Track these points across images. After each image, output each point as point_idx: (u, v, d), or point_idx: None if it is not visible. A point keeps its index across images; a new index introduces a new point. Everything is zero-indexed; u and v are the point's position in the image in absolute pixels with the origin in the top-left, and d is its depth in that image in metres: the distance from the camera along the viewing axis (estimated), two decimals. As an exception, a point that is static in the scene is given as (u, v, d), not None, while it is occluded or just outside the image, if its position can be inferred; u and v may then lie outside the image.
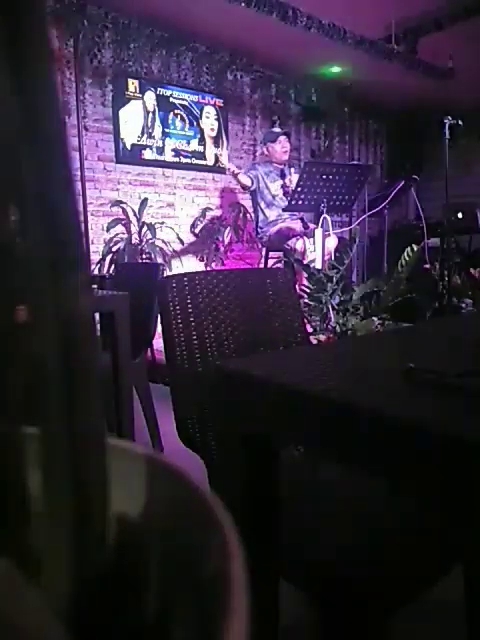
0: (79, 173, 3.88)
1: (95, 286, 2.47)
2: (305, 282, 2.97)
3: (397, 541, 0.77)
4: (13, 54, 0.16)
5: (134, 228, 4.27)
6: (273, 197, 3.97)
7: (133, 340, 1.74)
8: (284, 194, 3.92)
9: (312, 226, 3.72)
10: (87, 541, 0.20)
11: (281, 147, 3.99)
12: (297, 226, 3.88)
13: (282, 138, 4.00)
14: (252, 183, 3.95)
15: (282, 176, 4.02)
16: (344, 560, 0.73)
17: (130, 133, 4.23)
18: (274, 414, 0.63)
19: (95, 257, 4.02)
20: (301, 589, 0.77)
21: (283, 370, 0.66)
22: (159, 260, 4.10)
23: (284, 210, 3.67)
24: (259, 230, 4.06)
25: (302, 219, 3.97)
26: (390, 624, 0.71)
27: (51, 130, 0.18)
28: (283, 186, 3.97)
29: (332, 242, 3.42)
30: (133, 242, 4.20)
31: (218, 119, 4.83)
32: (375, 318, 2.84)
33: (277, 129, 4.38)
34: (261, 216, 4.02)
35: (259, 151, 5.16)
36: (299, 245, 3.71)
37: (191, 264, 4.69)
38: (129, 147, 4.24)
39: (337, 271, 2.85)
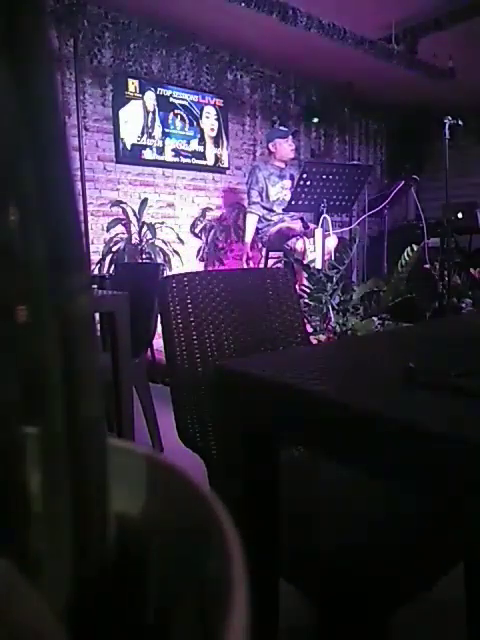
0: (79, 173, 3.87)
1: (95, 286, 2.47)
2: (305, 282, 2.97)
3: (397, 541, 0.77)
4: (13, 54, 0.16)
5: (134, 228, 4.27)
6: (272, 203, 3.97)
7: (133, 340, 1.74)
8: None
9: (312, 226, 3.72)
10: (87, 541, 0.20)
11: (289, 145, 4.00)
12: (297, 226, 3.87)
13: (290, 136, 4.02)
14: (260, 203, 3.96)
15: (290, 177, 4.01)
16: (344, 560, 0.72)
17: (130, 133, 4.23)
18: (274, 414, 0.63)
19: (95, 257, 4.02)
20: (301, 589, 0.77)
21: (283, 370, 0.66)
22: (159, 260, 4.10)
23: (284, 210, 3.67)
24: (259, 231, 4.06)
25: (302, 219, 3.97)
26: (390, 624, 0.71)
27: (51, 130, 0.18)
28: (290, 187, 3.97)
29: (332, 242, 3.41)
30: (133, 242, 4.20)
31: (218, 119, 4.82)
32: (375, 318, 2.84)
33: (283, 128, 4.37)
34: (263, 222, 4.02)
35: (259, 151, 5.16)
36: (299, 245, 3.71)
37: (191, 264, 4.69)
38: (129, 147, 4.24)
39: (337, 271, 2.85)
